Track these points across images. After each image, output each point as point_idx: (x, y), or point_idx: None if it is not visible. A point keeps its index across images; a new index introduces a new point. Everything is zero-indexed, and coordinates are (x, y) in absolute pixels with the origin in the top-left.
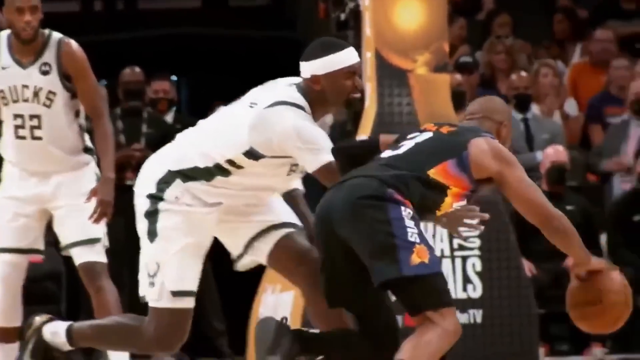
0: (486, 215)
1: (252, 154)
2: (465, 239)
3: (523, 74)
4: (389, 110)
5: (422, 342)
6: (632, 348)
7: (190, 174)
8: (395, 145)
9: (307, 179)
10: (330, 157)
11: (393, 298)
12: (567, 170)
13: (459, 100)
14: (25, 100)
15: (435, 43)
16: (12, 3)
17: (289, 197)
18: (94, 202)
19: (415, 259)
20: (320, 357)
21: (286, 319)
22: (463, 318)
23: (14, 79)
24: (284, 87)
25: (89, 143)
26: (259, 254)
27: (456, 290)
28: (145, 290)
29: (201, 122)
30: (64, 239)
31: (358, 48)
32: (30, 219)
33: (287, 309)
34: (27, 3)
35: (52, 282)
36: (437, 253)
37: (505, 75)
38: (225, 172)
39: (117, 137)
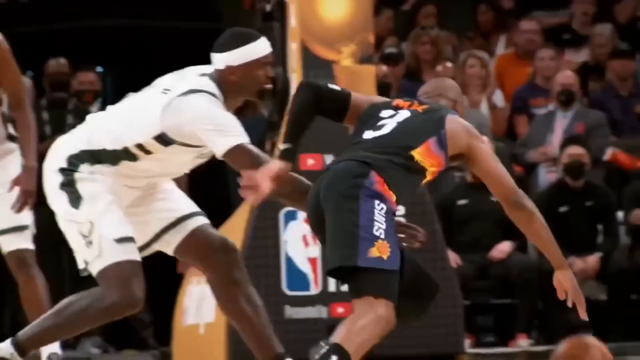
0: (422, 236)
1: (163, 139)
2: None
3: (448, 64)
4: None
5: (356, 328)
6: (557, 339)
7: (97, 156)
8: (373, 124)
9: None
10: (241, 141)
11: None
12: None
13: (385, 91)
14: None
15: (361, 34)
16: None
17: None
18: (16, 190)
19: (374, 252)
20: None
21: None
22: None
23: None
24: (197, 77)
25: (12, 131)
26: (167, 245)
27: None
28: (84, 255)
29: (111, 108)
30: None
31: (283, 39)
32: None
33: (212, 300)
34: None
35: None
36: None
37: (431, 66)
38: (132, 157)
39: (42, 128)
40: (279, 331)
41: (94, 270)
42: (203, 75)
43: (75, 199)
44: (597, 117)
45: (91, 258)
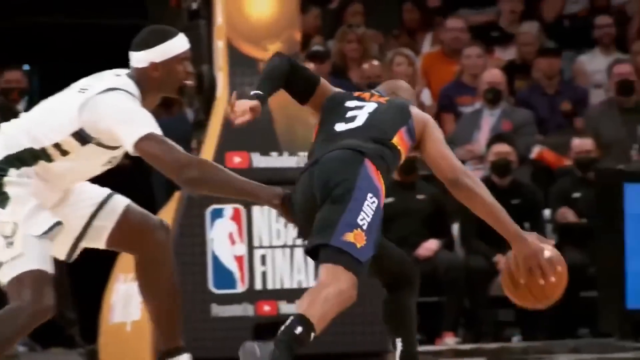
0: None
1: (81, 136)
2: None
3: (375, 63)
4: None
5: (319, 298)
6: (484, 337)
7: (21, 159)
8: (342, 115)
9: None
10: (151, 130)
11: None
12: (418, 159)
13: None
14: None
15: (287, 32)
16: None
17: None
18: None
19: (349, 236)
20: None
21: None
22: None
23: None
24: (114, 77)
25: None
26: (99, 234)
27: (308, 280)
28: (2, 257)
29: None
30: None
31: (210, 37)
32: None
33: (138, 298)
34: None
35: None
36: (289, 242)
37: (357, 64)
38: (48, 158)
39: None
40: (205, 329)
41: (9, 272)
42: (120, 75)
43: (2, 200)
44: (524, 115)
45: (7, 259)
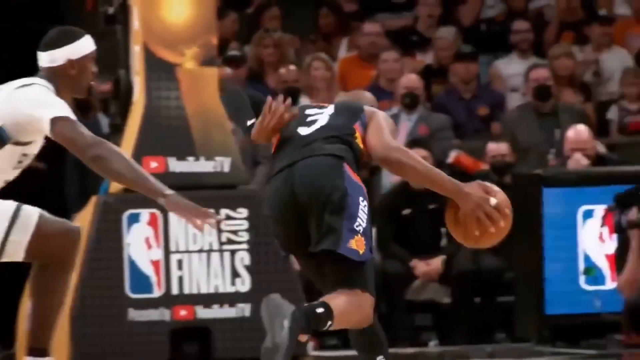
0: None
1: (0, 136)
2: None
3: (292, 67)
4: (157, 104)
5: (349, 305)
6: (400, 342)
7: None
8: (303, 122)
9: None
10: (68, 115)
11: None
12: None
13: None
14: None
15: (204, 37)
16: None
17: None
18: None
19: (352, 244)
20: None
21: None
22: (232, 312)
23: None
24: (27, 79)
25: None
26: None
27: (225, 285)
28: None
29: None
30: None
31: (126, 42)
32: None
33: None
34: None
35: None
36: (206, 247)
37: (274, 69)
38: None
39: None
40: (122, 334)
41: None
42: (31, 79)
43: None
44: (441, 120)
45: None
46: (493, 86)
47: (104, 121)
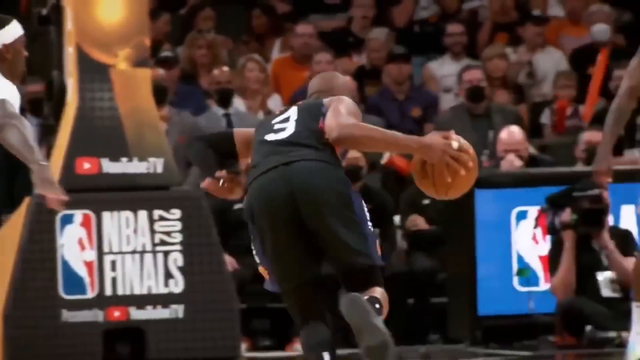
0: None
1: None
2: None
3: (225, 68)
4: (90, 105)
5: (385, 302)
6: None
7: None
8: (271, 129)
9: None
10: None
11: None
12: None
13: (161, 95)
14: None
15: (136, 38)
16: None
17: None
18: None
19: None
20: None
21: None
22: (165, 313)
23: None
24: None
25: None
26: None
27: (158, 286)
28: None
29: None
30: None
31: (60, 43)
32: None
33: None
34: None
35: None
36: (139, 248)
37: (207, 70)
38: None
39: None
40: (55, 335)
41: None
42: None
43: None
44: (373, 121)
45: None
46: (426, 87)
47: (33, 122)
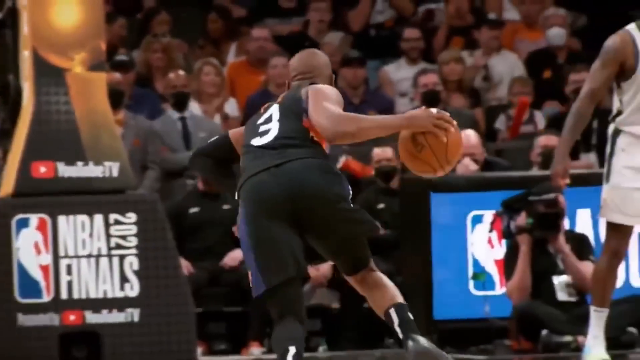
0: None
1: None
2: None
3: (180, 72)
4: (46, 109)
5: (386, 288)
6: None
7: None
8: (256, 132)
9: None
10: None
11: None
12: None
13: (117, 98)
14: None
15: (92, 42)
16: None
17: None
18: None
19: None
20: None
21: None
22: (120, 317)
23: None
24: None
25: None
26: None
27: (114, 289)
28: None
29: None
30: None
31: (16, 47)
32: None
33: None
34: None
35: None
36: (95, 252)
37: (162, 73)
38: None
39: None
40: (11, 339)
41: None
42: None
43: None
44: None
45: None
46: (382, 91)
47: None
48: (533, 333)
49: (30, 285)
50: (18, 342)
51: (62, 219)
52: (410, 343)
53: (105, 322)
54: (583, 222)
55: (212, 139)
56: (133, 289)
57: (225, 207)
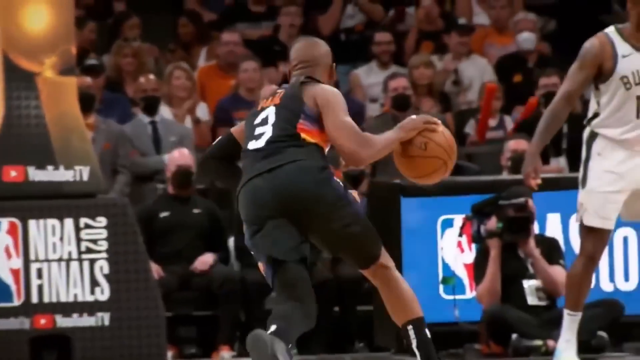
0: None
1: None
2: None
3: (151, 76)
4: (16, 113)
5: (401, 293)
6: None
7: None
8: (252, 135)
9: None
10: None
11: None
12: (193, 174)
13: (88, 102)
14: None
15: (62, 46)
16: None
17: None
18: None
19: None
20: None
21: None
22: (91, 321)
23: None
24: None
25: None
26: None
27: (84, 293)
28: None
29: None
30: None
31: None
32: None
33: None
34: None
35: None
36: (65, 256)
37: (133, 78)
38: None
39: None
40: None
41: None
42: None
43: None
44: None
45: None
46: (353, 95)
47: None
48: (503, 337)
49: (0, 289)
50: None
51: (32, 223)
52: None
53: (75, 325)
54: (553, 226)
55: (217, 141)
56: (103, 293)
57: (196, 211)
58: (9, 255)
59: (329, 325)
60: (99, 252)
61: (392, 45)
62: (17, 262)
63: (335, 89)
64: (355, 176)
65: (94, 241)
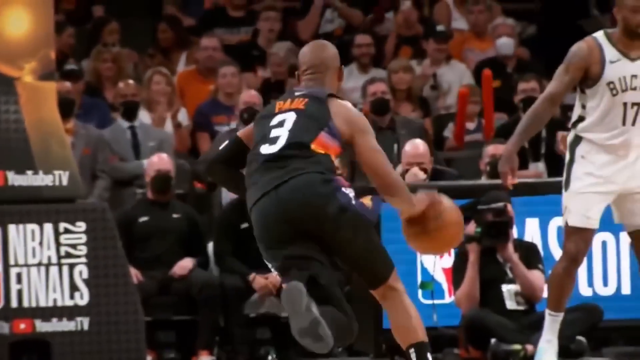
0: None
1: None
2: None
3: (130, 81)
4: None
5: (408, 319)
6: (238, 355)
7: None
8: (266, 138)
9: None
10: None
11: None
12: (172, 178)
13: (68, 107)
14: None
15: (42, 51)
16: None
17: None
18: None
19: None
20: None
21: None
22: (70, 325)
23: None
24: None
25: None
26: None
27: (64, 298)
28: None
29: None
30: None
31: None
32: None
33: None
34: None
35: None
36: (45, 260)
37: (112, 83)
38: None
39: None
40: None
41: None
42: None
43: None
44: None
45: None
46: None
47: None
48: (482, 342)
49: None
50: None
51: (12, 228)
52: None
53: (55, 330)
54: (532, 231)
55: (224, 145)
56: (83, 298)
57: (175, 216)
58: None
59: None
60: (79, 256)
61: (372, 47)
62: None
63: (360, 112)
64: None
65: (74, 246)
